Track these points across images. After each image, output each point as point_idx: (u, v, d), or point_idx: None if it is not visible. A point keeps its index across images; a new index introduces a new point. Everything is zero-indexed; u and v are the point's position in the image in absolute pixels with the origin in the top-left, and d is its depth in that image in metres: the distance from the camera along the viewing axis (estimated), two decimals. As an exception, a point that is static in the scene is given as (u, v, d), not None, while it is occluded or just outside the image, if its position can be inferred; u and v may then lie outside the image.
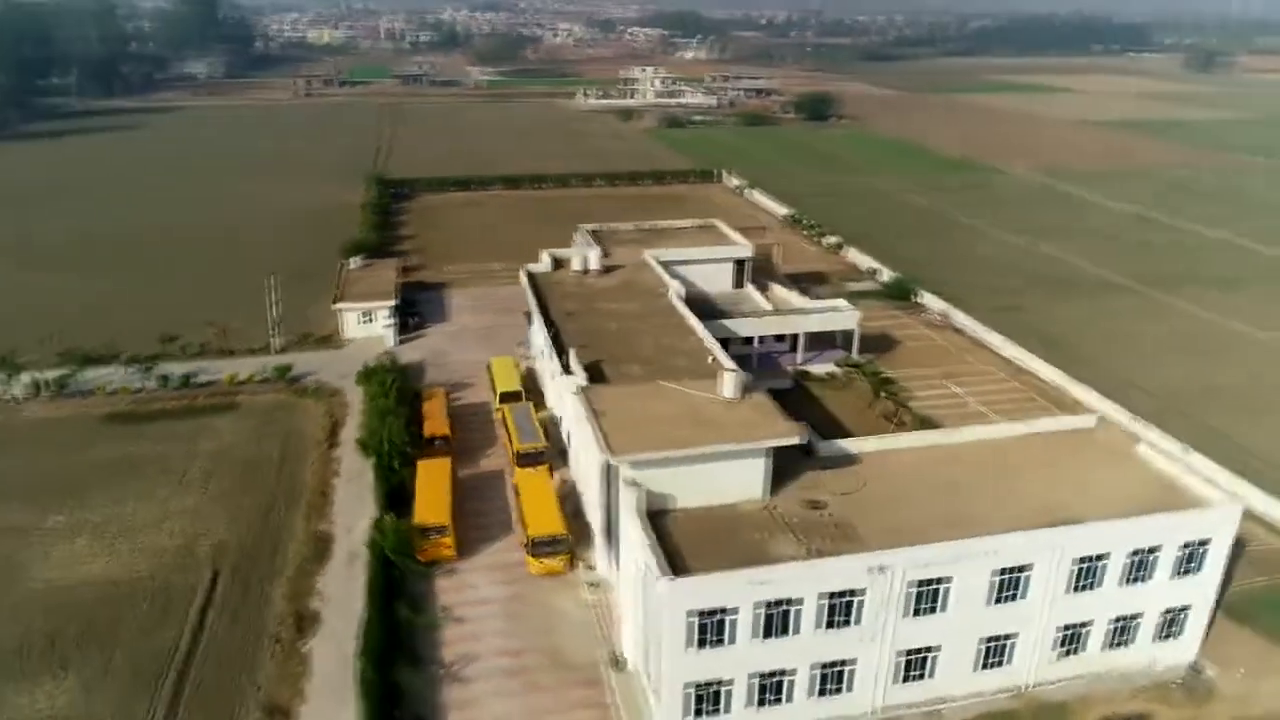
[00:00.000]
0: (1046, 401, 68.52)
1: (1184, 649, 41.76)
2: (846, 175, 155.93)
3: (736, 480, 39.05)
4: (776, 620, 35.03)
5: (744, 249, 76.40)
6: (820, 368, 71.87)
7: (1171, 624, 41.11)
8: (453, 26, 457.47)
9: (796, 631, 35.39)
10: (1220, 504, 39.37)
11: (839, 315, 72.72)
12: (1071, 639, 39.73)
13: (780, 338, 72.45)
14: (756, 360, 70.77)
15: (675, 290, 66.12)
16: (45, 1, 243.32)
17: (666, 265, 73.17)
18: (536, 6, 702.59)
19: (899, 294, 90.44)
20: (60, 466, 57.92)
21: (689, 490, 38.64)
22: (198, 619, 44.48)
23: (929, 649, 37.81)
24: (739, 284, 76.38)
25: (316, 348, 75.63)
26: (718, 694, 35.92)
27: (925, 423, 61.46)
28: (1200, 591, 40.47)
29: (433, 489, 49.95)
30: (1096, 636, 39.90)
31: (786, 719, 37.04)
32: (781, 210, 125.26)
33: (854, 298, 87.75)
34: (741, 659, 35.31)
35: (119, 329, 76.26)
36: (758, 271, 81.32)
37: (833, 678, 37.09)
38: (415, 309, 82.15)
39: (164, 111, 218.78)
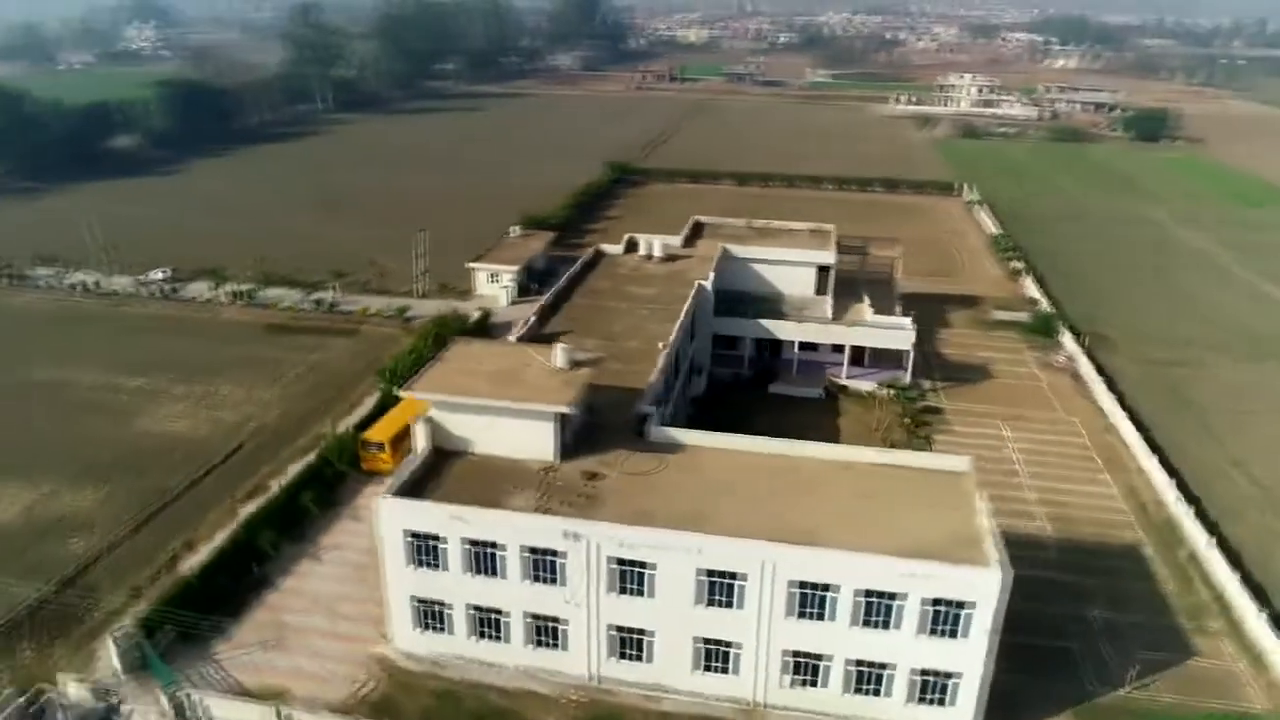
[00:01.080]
0: (1103, 464, 59.71)
1: (955, 721, 37.47)
2: (1125, 202, 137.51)
3: (527, 438, 42.54)
4: (485, 560, 38.72)
5: (826, 256, 74.80)
6: (864, 384, 68.99)
7: (933, 688, 37.12)
8: (818, 30, 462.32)
9: (504, 576, 38.74)
10: (979, 567, 34.81)
11: (887, 333, 69.03)
12: (804, 669, 37.81)
13: (839, 349, 70.68)
14: (796, 366, 70.23)
15: (707, 283, 67.99)
16: (446, 1, 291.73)
17: (742, 261, 74.87)
18: (925, 10, 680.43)
19: (1040, 329, 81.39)
20: (214, 354, 75.81)
21: (486, 439, 42.95)
22: (201, 475, 57.93)
23: (641, 631, 38.69)
24: (820, 290, 75.11)
25: (449, 297, 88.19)
26: (440, 614, 40.48)
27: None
28: (967, 660, 36.11)
29: (396, 417, 58.52)
30: (836, 675, 37.49)
31: (507, 658, 40.45)
32: (994, 230, 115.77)
33: (991, 326, 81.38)
34: (456, 587, 39.50)
35: (323, 261, 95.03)
36: (878, 284, 79.39)
37: (547, 632, 39.68)
38: (541, 278, 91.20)
39: (513, 97, 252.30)
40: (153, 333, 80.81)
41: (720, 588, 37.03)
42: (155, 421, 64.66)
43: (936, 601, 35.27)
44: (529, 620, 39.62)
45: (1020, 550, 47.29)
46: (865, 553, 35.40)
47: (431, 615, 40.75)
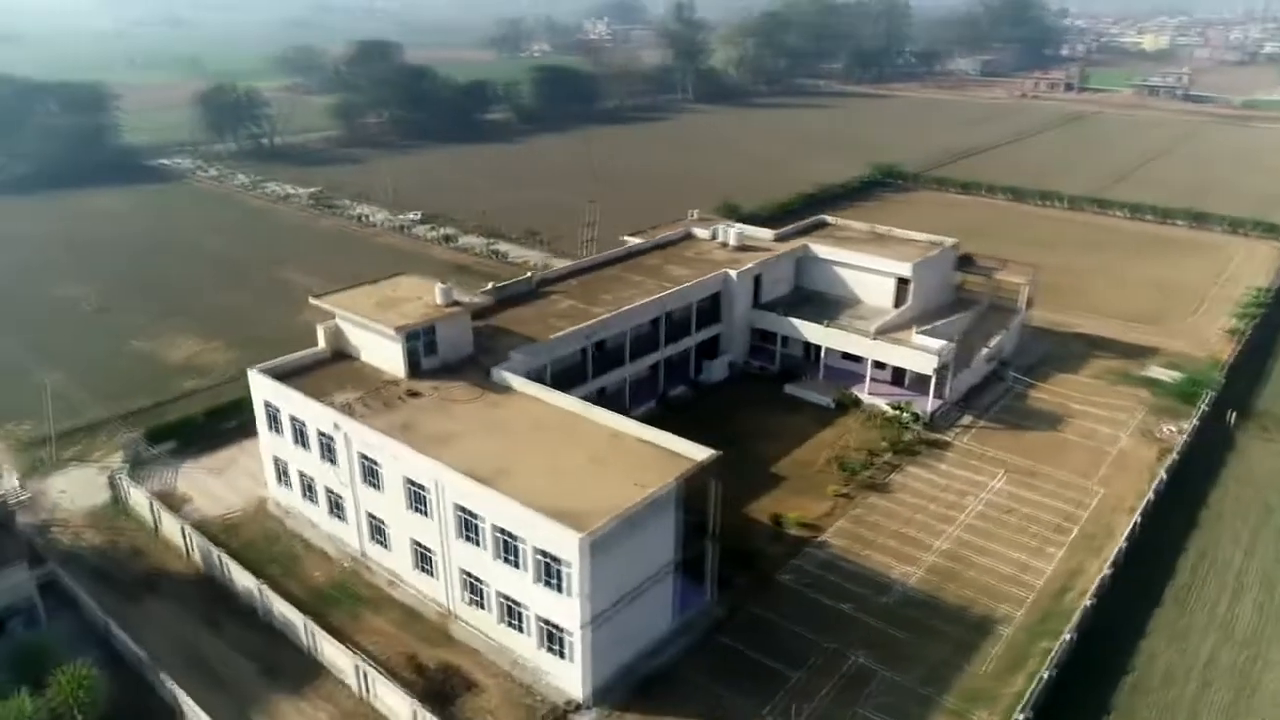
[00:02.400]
0: (1068, 541, 50.75)
1: (569, 680, 38.60)
2: None
3: (386, 354, 50.84)
4: (300, 434, 48.51)
5: (903, 268, 70.06)
6: (880, 401, 64.73)
7: (552, 639, 38.69)
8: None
9: (309, 450, 48.11)
10: (567, 527, 35.60)
11: (910, 353, 63.69)
12: (473, 589, 41.59)
13: (880, 364, 67.09)
14: (822, 371, 68.21)
15: (734, 272, 68.79)
16: (845, 3, 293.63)
17: (825, 263, 73.76)
18: None
19: (1185, 394, 67.18)
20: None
21: (366, 349, 52.24)
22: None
23: (382, 522, 45.41)
24: (899, 302, 70.89)
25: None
26: (286, 473, 51.13)
27: (871, 488, 55.11)
28: (569, 618, 37.30)
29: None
30: (492, 602, 40.77)
31: (319, 520, 49.95)
32: (1261, 282, 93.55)
33: (1126, 380, 70.08)
34: (290, 453, 49.87)
35: (540, 221, 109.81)
36: (999, 311, 73.40)
37: (337, 506, 48.17)
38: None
39: (881, 98, 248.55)
40: (375, 255, 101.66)
41: (417, 495, 42.59)
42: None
43: (543, 553, 37.34)
44: (326, 492, 48.62)
45: (856, 585, 45.42)
46: (503, 494, 38.55)
47: (282, 473, 51.70)
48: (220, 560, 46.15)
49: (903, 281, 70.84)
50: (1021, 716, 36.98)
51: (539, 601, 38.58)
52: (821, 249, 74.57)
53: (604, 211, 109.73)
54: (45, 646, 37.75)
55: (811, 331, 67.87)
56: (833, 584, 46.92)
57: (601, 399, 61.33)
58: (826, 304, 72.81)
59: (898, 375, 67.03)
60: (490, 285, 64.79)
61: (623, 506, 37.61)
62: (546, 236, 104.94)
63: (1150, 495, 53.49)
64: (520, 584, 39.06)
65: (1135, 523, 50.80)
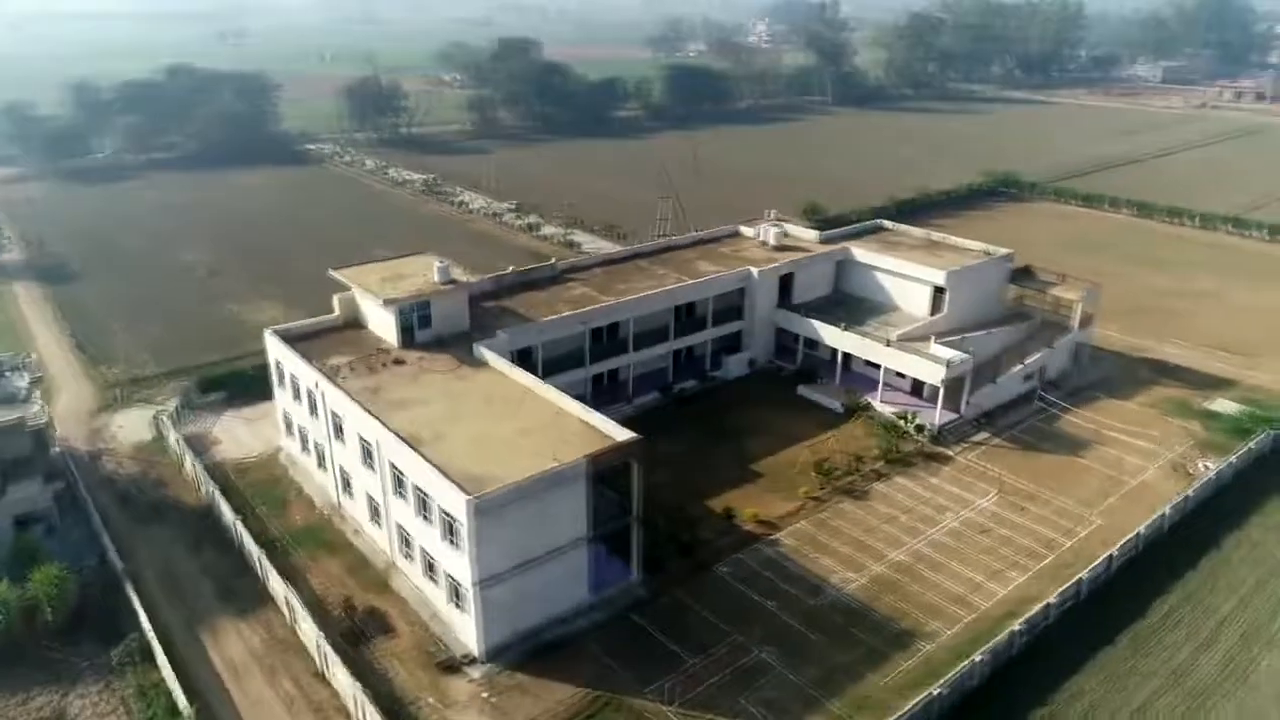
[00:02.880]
0: (1039, 567, 48.18)
1: (468, 634, 40.95)
2: None
3: (384, 324, 54.99)
4: (298, 390, 53.29)
5: (938, 276, 67.64)
6: (888, 409, 63.13)
7: (457, 594, 41.13)
8: None
9: (302, 404, 52.88)
10: (458, 488, 37.85)
11: (918, 361, 61.72)
12: (406, 543, 44.70)
13: (903, 375, 65.51)
14: (839, 376, 67.25)
15: (756, 270, 68.76)
16: (1017, 4, 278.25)
17: (865, 267, 72.58)
18: None
19: (1243, 428, 61.44)
20: (477, 256, 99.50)
21: (371, 319, 56.65)
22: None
23: (348, 473, 49.44)
24: (935, 310, 68.70)
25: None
26: (291, 425, 56.35)
27: (847, 493, 54.75)
28: (463, 573, 39.65)
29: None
30: (418, 556, 43.71)
31: (313, 471, 54.71)
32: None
33: (1179, 412, 65.24)
34: (293, 408, 54.95)
35: (621, 215, 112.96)
36: (1050, 326, 70.21)
37: (323, 458, 52.60)
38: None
39: (1037, 104, 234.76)
40: (462, 238, 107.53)
41: (367, 452, 46.19)
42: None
43: (446, 512, 39.90)
44: (314, 444, 53.27)
45: (790, 584, 45.94)
46: (420, 455, 41.45)
47: (288, 425, 56.93)
48: (214, 495, 51.82)
49: (939, 290, 68.51)
50: (894, 728, 36.19)
51: (445, 557, 41.28)
52: (861, 253, 73.17)
53: (698, 209, 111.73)
54: (38, 547, 44.12)
55: (829, 334, 67.00)
56: (766, 581, 46.95)
57: (601, 384, 63.97)
58: (863, 309, 71.55)
59: (917, 385, 65.13)
60: (510, 269, 68.04)
61: (522, 476, 39.75)
62: (625, 229, 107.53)
63: (1141, 530, 49.74)
64: (433, 540, 41.89)
65: (1111, 555, 47.58)
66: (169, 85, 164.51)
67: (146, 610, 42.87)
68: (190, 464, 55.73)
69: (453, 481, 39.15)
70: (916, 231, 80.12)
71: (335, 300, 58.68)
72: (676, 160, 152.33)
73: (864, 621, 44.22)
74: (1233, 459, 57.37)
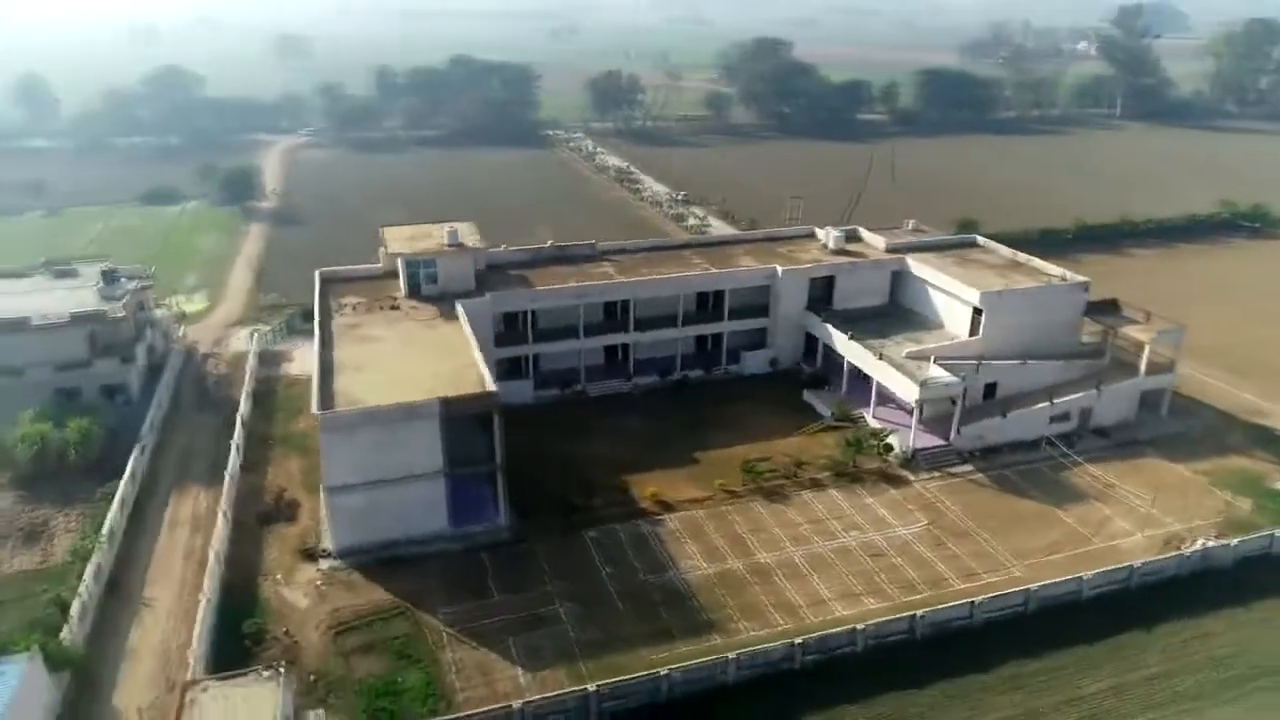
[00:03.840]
0: (902, 590, 44.98)
1: (328, 531, 47.79)
2: None
3: (401, 276, 63.58)
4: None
5: (975, 296, 62.50)
6: (874, 422, 60.40)
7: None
8: None
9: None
10: (321, 407, 44.54)
11: (897, 376, 58.09)
12: (326, 452, 52.56)
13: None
14: (845, 385, 65.38)
15: (781, 269, 68.12)
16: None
17: (919, 280, 69.33)
18: None
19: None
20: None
21: (399, 272, 65.48)
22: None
23: (324, 394, 58.36)
24: (973, 331, 64.02)
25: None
26: (325, 352, 66.86)
27: (767, 494, 54.70)
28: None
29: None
30: (327, 464, 51.40)
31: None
32: None
33: (1257, 492, 56.36)
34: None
35: (774, 213, 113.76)
36: (1121, 366, 63.82)
37: (326, 379, 62.25)
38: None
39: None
40: (619, 218, 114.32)
41: (319, 375, 54.79)
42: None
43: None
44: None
45: (641, 560, 48.76)
46: (317, 377, 49.11)
47: (325, 350, 67.62)
48: (241, 395, 63.86)
49: (977, 311, 63.56)
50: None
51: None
52: (916, 266, 69.42)
53: (862, 212, 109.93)
54: (88, 405, 58.31)
55: (839, 340, 65.04)
56: (620, 552, 48.85)
57: (606, 359, 67.78)
58: (910, 322, 68.48)
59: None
60: (549, 242, 73.66)
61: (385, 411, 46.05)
62: (766, 224, 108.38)
63: (1033, 587, 44.29)
64: (323, 449, 49.59)
65: (973, 602, 43.25)
66: (450, 73, 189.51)
67: (145, 470, 55.25)
68: (249, 372, 68.57)
69: (319, 400, 46.44)
70: (1004, 251, 73.69)
71: (381, 252, 68.39)
72: (881, 165, 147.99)
73: (679, 606, 44.87)
74: (1234, 541, 48.26)
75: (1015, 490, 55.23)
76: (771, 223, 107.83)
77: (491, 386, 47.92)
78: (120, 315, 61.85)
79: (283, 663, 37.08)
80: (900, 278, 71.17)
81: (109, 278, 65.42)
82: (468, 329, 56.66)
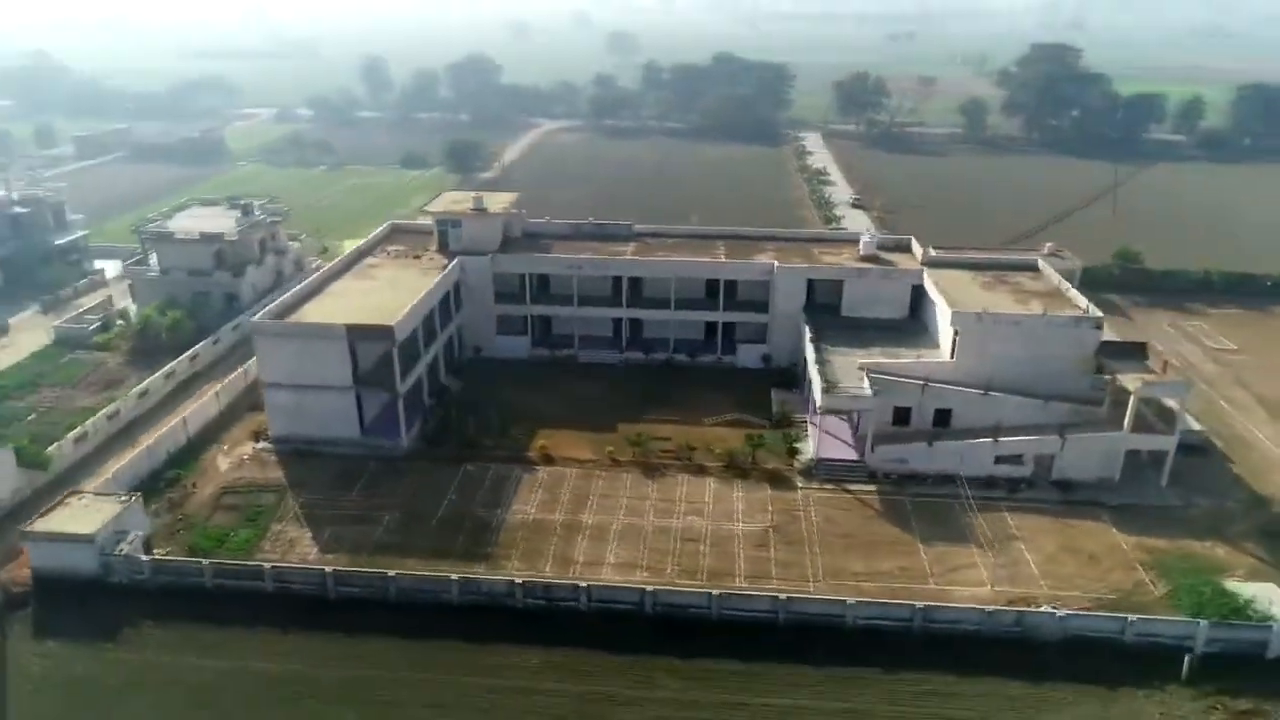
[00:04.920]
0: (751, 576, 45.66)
1: (271, 421, 58.86)
2: None
3: (434, 232, 73.50)
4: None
5: (949, 322, 57.69)
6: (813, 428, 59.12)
7: (276, 393, 59.10)
8: None
9: (370, 274, 74.98)
10: (262, 315, 55.07)
11: (816, 386, 55.88)
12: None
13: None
14: (806, 386, 63.87)
15: (777, 265, 67.64)
16: None
17: (925, 294, 65.81)
18: None
19: (1189, 603, 42.52)
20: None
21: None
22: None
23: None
24: (952, 354, 59.49)
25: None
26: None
27: (641, 466, 57.36)
28: (265, 379, 57.60)
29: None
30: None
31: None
32: None
33: (1172, 571, 49.30)
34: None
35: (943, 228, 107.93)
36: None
37: (366, 311, 74.08)
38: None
39: None
40: (771, 213, 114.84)
41: (324, 300, 66.27)
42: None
43: (270, 332, 58.27)
44: (370, 303, 75.03)
45: (488, 494, 54.98)
46: (286, 297, 60.21)
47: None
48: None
49: (958, 333, 58.92)
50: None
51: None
52: (929, 279, 65.06)
53: (1068, 239, 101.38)
54: (207, 304, 75.68)
55: (807, 341, 63.50)
56: (476, 487, 54.12)
57: (601, 328, 72.42)
58: (916, 339, 64.84)
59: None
60: (589, 219, 78.90)
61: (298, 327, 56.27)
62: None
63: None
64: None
65: (711, 593, 42.83)
66: (712, 69, 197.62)
67: (211, 357, 70.93)
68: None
69: (262, 313, 57.78)
70: (1053, 279, 66.12)
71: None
72: (1125, 190, 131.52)
73: (475, 537, 49.62)
74: (1061, 613, 41.78)
75: (895, 518, 51.69)
76: (938, 239, 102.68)
77: (389, 322, 55.84)
78: (234, 239, 78.74)
79: (138, 494, 48.91)
80: (920, 292, 67.03)
81: (246, 211, 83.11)
82: (438, 278, 65.02)
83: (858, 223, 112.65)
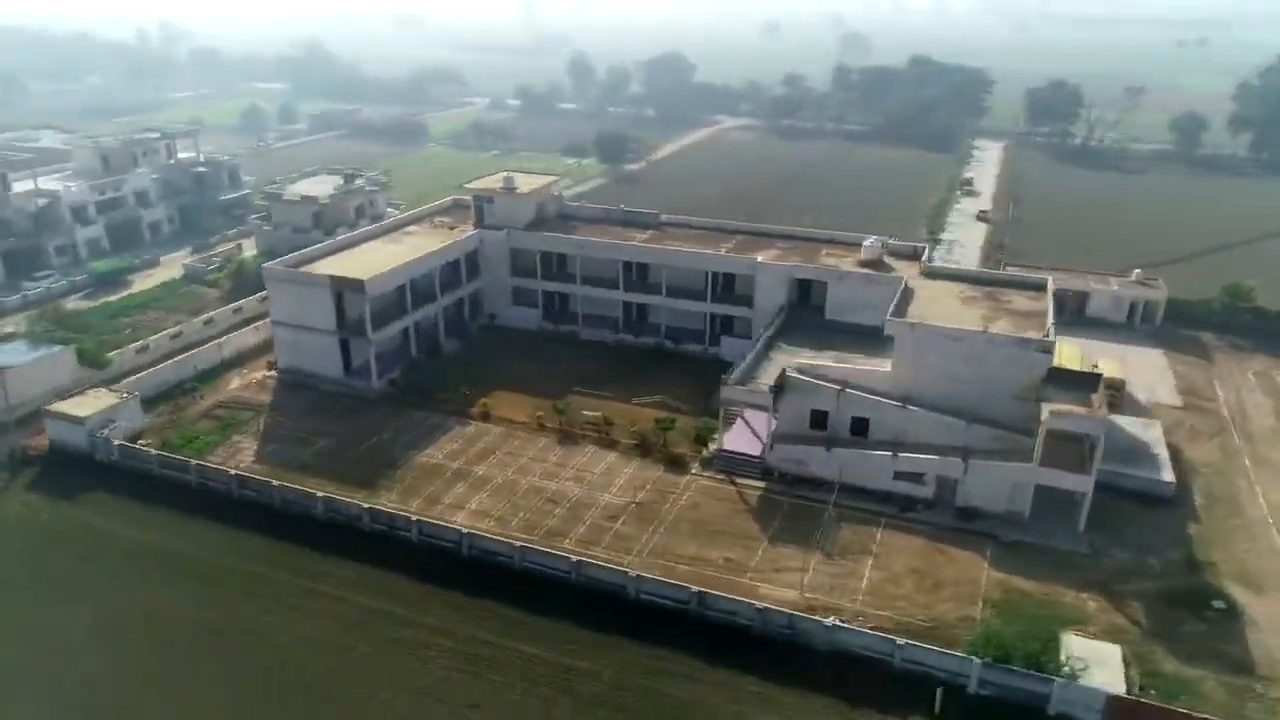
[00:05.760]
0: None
1: (282, 354, 68.70)
2: None
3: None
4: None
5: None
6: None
7: (290, 332, 68.88)
8: None
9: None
10: (277, 261, 64.72)
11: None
12: (334, 310, 73.41)
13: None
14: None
15: (764, 263, 67.01)
16: None
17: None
18: None
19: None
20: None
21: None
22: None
23: (385, 278, 79.08)
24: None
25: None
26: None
27: (560, 434, 60.90)
28: (277, 317, 67.49)
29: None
30: (323, 316, 72.27)
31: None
32: None
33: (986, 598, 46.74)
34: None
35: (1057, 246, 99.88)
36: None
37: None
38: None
39: None
40: (881, 225, 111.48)
41: (358, 258, 75.42)
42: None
43: (286, 279, 68.04)
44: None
45: (411, 433, 63.98)
46: (315, 249, 69.68)
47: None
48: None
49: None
50: (231, 473, 52.18)
51: (294, 308, 69.62)
52: (905, 288, 62.21)
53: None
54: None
55: (761, 337, 63.20)
56: (410, 430, 60.55)
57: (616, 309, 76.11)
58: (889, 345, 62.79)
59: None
60: (620, 206, 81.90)
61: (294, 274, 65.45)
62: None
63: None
64: (304, 301, 70.45)
65: (577, 560, 45.78)
66: (906, 72, 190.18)
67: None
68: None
69: (274, 263, 67.54)
70: (1045, 302, 60.40)
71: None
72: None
73: (376, 468, 55.99)
74: (829, 621, 40.23)
75: (761, 515, 51.51)
76: (1058, 257, 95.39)
77: (361, 278, 63.36)
78: (325, 203, 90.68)
79: (135, 394, 60.24)
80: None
81: (348, 179, 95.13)
82: (440, 247, 71.98)
83: (970, 235, 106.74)
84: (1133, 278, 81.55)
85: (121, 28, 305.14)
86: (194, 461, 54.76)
